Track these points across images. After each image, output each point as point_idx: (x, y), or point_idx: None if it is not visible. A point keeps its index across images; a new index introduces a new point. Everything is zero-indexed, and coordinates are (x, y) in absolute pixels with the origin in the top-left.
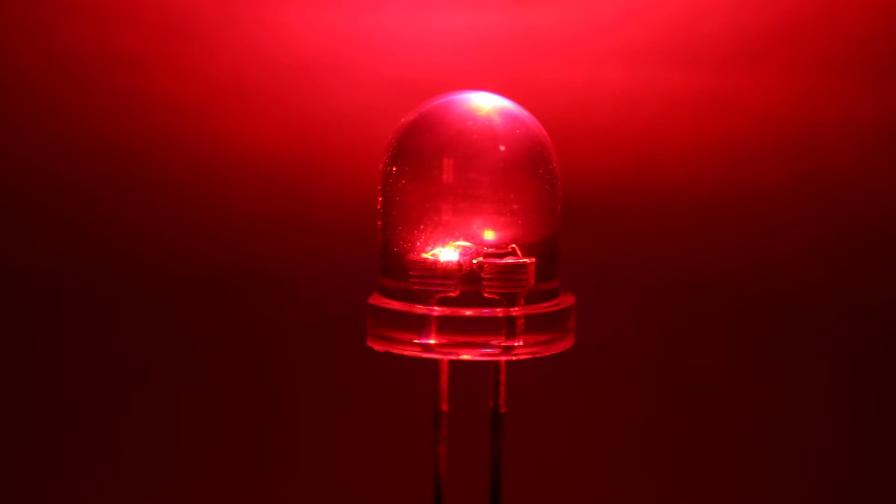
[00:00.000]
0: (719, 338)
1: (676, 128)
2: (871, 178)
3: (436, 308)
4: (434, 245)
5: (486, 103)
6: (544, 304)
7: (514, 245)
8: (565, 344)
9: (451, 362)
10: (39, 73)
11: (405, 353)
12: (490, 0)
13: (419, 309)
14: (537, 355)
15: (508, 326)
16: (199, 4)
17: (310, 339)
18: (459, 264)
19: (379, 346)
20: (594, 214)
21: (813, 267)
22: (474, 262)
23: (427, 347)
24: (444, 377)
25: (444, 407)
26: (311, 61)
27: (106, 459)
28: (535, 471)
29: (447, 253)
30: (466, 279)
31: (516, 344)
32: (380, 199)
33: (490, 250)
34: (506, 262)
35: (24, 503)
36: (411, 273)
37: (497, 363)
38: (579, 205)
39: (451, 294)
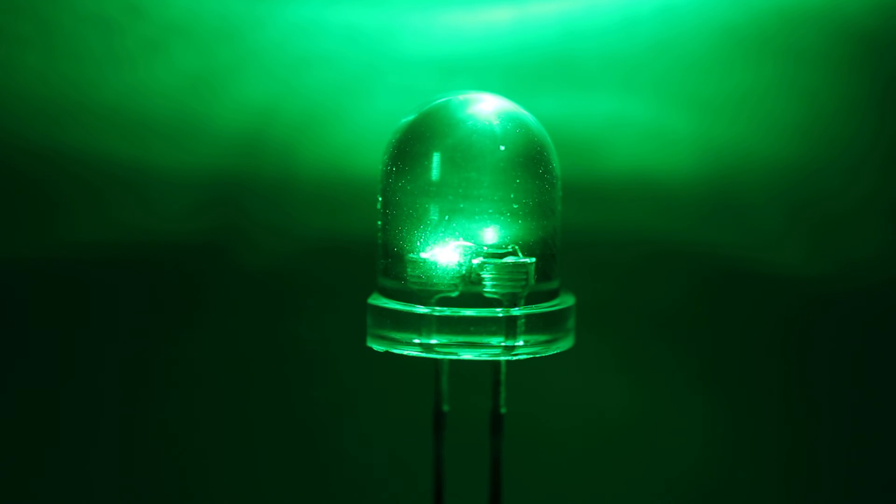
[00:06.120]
0: (719, 336)
1: (676, 127)
2: (863, 176)
3: (436, 308)
4: (434, 245)
5: (486, 103)
6: (544, 304)
7: (514, 245)
8: (565, 344)
9: (451, 362)
10: (40, 74)
11: (405, 352)
12: None
13: (420, 309)
14: (537, 355)
15: (508, 326)
16: (198, 3)
17: (310, 339)
18: (459, 264)
19: (379, 346)
20: (594, 213)
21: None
22: (474, 262)
23: (427, 347)
24: (445, 377)
25: (445, 407)
26: (311, 59)
27: (99, 455)
28: (535, 471)
29: (447, 253)
30: (466, 279)
31: (516, 344)
32: (380, 199)
33: (490, 250)
34: (506, 262)
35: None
36: (411, 273)
37: (497, 363)
38: (579, 204)
39: (451, 294)
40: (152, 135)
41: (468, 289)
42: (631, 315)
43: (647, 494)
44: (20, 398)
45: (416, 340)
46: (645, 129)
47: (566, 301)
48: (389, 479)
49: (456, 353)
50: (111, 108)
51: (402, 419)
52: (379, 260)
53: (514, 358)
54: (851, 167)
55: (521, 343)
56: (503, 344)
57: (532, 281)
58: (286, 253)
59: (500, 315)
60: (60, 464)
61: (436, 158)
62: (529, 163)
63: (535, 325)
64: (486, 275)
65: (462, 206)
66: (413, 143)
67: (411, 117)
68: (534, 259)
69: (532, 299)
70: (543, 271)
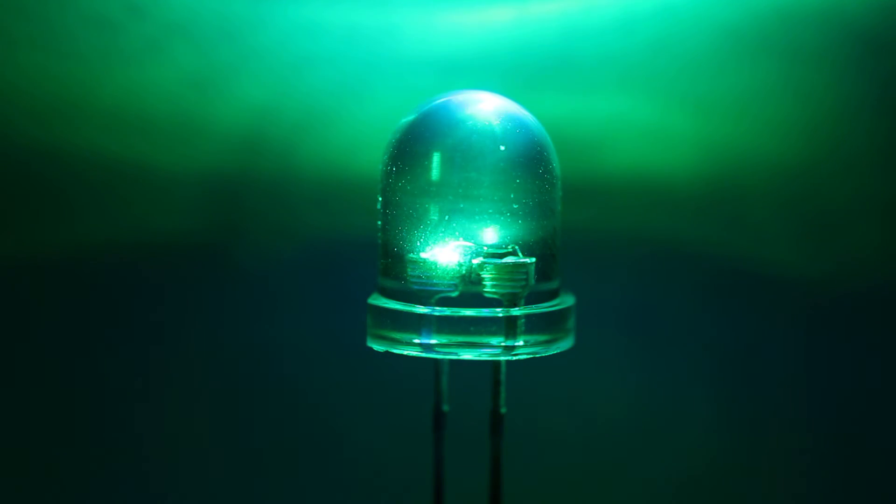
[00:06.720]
0: (718, 336)
1: (676, 127)
2: (863, 176)
3: (436, 308)
4: (434, 245)
5: (486, 103)
6: (544, 304)
7: (514, 245)
8: (565, 344)
9: (451, 362)
10: (41, 73)
11: (405, 352)
12: None
13: (420, 309)
14: (537, 355)
15: (508, 326)
16: (199, 2)
17: (310, 339)
18: (459, 264)
19: (379, 346)
20: (594, 213)
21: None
22: (474, 262)
23: (427, 347)
24: (445, 377)
25: (445, 407)
26: (311, 59)
27: (99, 454)
28: (535, 471)
29: (447, 253)
30: (466, 279)
31: (516, 344)
32: (380, 199)
33: (490, 250)
34: (506, 263)
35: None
36: (411, 273)
37: (497, 363)
38: (579, 204)
39: (451, 294)
40: (152, 135)
41: (468, 289)
42: (631, 315)
43: (648, 494)
44: (20, 397)
45: (416, 340)
46: (645, 129)
47: (566, 301)
48: (389, 479)
49: (456, 353)
50: (111, 108)
51: (402, 419)
52: (379, 260)
53: (514, 358)
54: (851, 167)
55: (521, 343)
56: (503, 344)
57: (532, 281)
58: (286, 253)
59: (500, 315)
60: (61, 462)
61: (436, 158)
62: (529, 163)
63: (535, 325)
64: (486, 275)
65: (462, 206)
66: (413, 143)
67: (411, 117)
68: (534, 259)
69: (532, 299)
70: (543, 271)
